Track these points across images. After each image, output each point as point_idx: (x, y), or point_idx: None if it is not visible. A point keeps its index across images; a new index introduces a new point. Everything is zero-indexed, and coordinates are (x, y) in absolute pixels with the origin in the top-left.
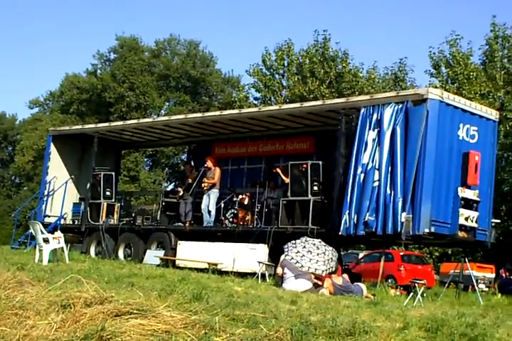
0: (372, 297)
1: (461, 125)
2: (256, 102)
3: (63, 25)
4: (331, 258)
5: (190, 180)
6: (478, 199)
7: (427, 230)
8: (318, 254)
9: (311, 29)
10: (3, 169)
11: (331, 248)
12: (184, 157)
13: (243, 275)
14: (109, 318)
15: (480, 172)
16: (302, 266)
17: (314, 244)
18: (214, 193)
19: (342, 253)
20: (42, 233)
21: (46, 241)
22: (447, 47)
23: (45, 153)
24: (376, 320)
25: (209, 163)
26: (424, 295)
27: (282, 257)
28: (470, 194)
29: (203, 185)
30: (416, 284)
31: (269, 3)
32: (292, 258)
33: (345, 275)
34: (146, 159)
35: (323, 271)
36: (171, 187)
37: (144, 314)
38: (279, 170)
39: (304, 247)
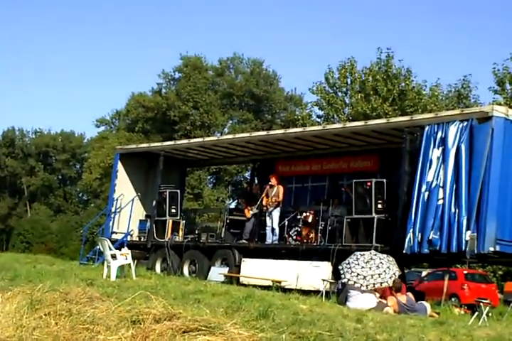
0: (437, 315)
1: None
2: (319, 120)
3: (129, 46)
4: (388, 267)
5: (259, 199)
6: None
7: (491, 249)
8: (370, 268)
9: (374, 47)
10: (71, 186)
11: (384, 255)
12: (247, 174)
13: (307, 292)
14: (178, 334)
15: None
16: (361, 285)
17: (367, 261)
18: (277, 211)
19: (405, 271)
20: (110, 249)
21: (114, 257)
22: None
23: (112, 171)
24: (442, 340)
25: (273, 181)
26: (490, 314)
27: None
28: None
29: (265, 202)
30: (481, 303)
31: (331, 22)
32: (349, 280)
33: (410, 294)
34: (209, 177)
35: (384, 283)
36: (234, 204)
37: (212, 331)
38: (348, 189)
39: (358, 264)
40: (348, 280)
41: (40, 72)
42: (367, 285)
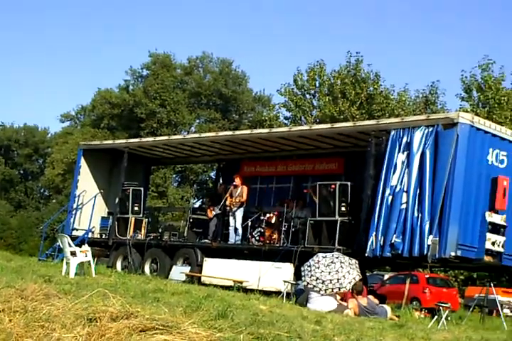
0: (397, 318)
1: (490, 150)
2: (286, 121)
3: (96, 41)
4: (348, 272)
5: (223, 199)
6: (505, 224)
7: (453, 254)
8: (329, 273)
9: (344, 50)
10: (33, 181)
11: (347, 258)
12: (213, 174)
13: (268, 293)
14: (135, 333)
15: (508, 197)
16: (320, 289)
17: (327, 264)
18: (240, 211)
19: (367, 274)
20: (69, 246)
21: (73, 254)
22: (479, 71)
23: (75, 167)
24: None
25: (237, 181)
26: (449, 318)
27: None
28: (497, 218)
29: (229, 202)
30: (441, 307)
31: (302, 24)
32: (308, 283)
33: (371, 297)
34: (174, 175)
35: (343, 288)
36: (198, 204)
37: (169, 330)
38: (311, 191)
39: (318, 268)
40: (308, 283)
41: (4, 65)
42: (325, 290)
